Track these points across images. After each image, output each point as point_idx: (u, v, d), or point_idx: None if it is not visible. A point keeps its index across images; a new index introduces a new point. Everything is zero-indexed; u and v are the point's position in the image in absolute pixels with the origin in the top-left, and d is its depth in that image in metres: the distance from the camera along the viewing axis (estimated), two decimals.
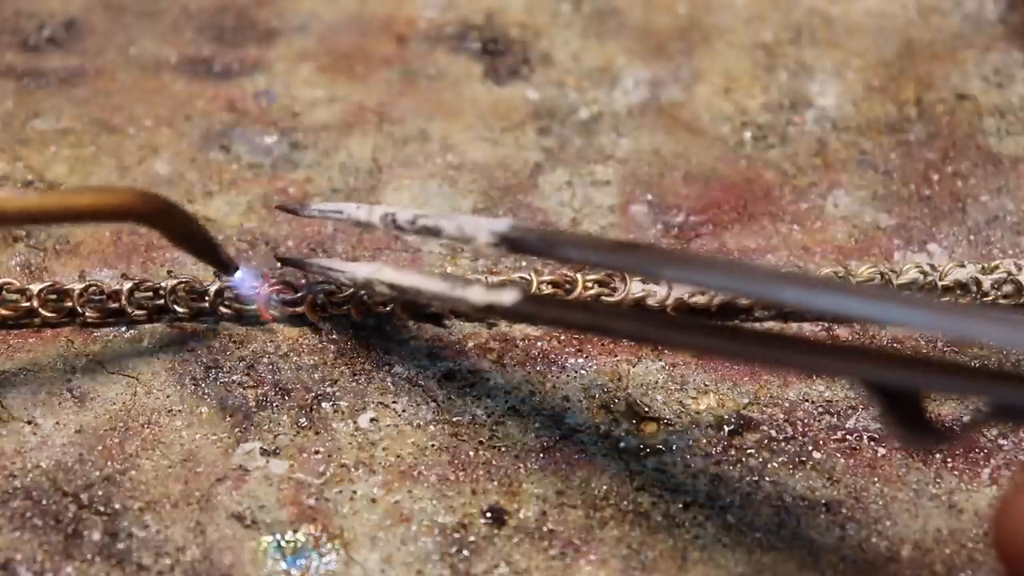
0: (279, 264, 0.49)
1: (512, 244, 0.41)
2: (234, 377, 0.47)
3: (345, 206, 0.47)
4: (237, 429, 0.45)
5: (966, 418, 0.46)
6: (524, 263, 0.51)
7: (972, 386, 0.32)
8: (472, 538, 0.43)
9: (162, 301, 0.48)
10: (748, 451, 0.45)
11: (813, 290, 0.34)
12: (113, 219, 0.44)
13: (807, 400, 0.47)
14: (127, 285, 0.48)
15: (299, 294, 0.48)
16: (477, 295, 0.41)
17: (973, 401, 0.45)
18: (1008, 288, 0.50)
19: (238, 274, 0.48)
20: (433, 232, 0.43)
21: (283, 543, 0.42)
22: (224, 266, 0.47)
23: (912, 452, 0.45)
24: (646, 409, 0.46)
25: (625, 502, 0.44)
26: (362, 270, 0.45)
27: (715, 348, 0.39)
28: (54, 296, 0.48)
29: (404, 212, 0.44)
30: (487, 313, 0.43)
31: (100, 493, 0.43)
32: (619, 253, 0.39)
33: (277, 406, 0.46)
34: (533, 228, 0.41)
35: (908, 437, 0.34)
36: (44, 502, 0.43)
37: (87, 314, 0.48)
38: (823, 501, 0.44)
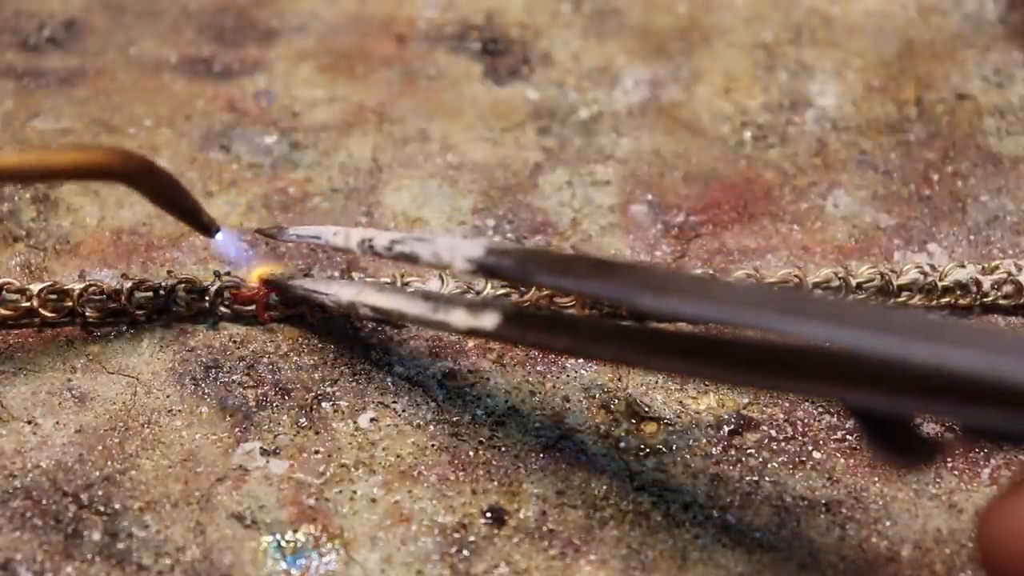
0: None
1: (488, 270, 0.41)
2: (234, 377, 0.47)
3: (323, 231, 0.47)
4: (237, 429, 0.45)
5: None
6: None
7: (950, 409, 0.32)
8: (472, 538, 0.43)
9: (162, 301, 0.48)
10: (748, 451, 0.45)
11: (801, 316, 0.33)
12: (94, 177, 0.43)
13: (807, 400, 0.47)
14: (127, 285, 0.48)
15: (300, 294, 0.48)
16: (459, 319, 0.41)
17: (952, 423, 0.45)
18: (1008, 288, 0.50)
19: (219, 235, 0.47)
20: (410, 258, 0.43)
21: (283, 543, 0.42)
22: (205, 227, 0.47)
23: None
24: (646, 409, 0.46)
25: (625, 502, 0.44)
26: (345, 292, 0.45)
27: (700, 373, 0.39)
28: (54, 296, 0.48)
29: (381, 238, 0.44)
30: (471, 336, 0.43)
31: (100, 493, 0.43)
32: (596, 279, 0.39)
33: (277, 406, 0.46)
34: (510, 250, 0.41)
35: (887, 456, 0.34)
36: (44, 502, 0.43)
37: (87, 314, 0.48)
38: (823, 501, 0.44)
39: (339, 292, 0.46)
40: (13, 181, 0.49)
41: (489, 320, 0.41)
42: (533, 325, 0.41)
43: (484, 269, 0.41)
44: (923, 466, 0.44)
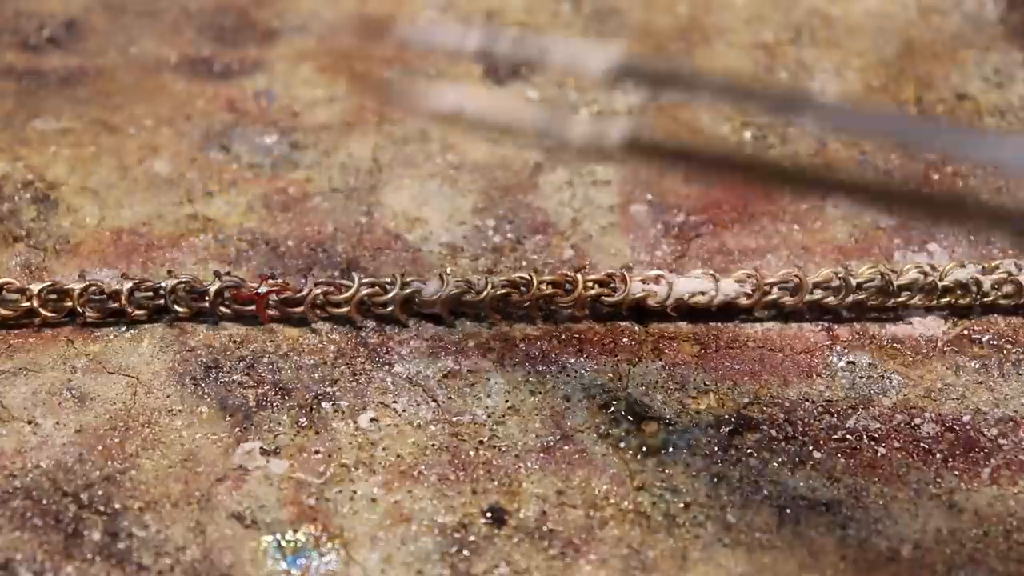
0: None
1: (627, 74, 0.38)
2: (234, 377, 0.47)
3: (439, 29, 0.43)
4: (237, 429, 0.45)
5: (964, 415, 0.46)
6: (524, 262, 0.51)
7: None
8: (472, 538, 0.43)
9: (162, 301, 0.48)
10: (748, 451, 0.45)
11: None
12: None
13: (807, 400, 0.47)
14: (127, 285, 0.48)
15: (299, 294, 0.48)
16: (580, 131, 0.38)
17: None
18: (1008, 288, 0.50)
19: None
20: (537, 60, 0.39)
21: (283, 543, 0.42)
22: None
23: (912, 452, 0.45)
24: (646, 409, 0.46)
25: (625, 502, 0.44)
26: (450, 96, 0.40)
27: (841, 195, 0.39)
28: (54, 296, 0.48)
29: (503, 40, 0.39)
30: (586, 157, 0.40)
31: (100, 493, 0.43)
32: (741, 93, 0.38)
33: (277, 406, 0.46)
34: (649, 58, 0.39)
35: None
36: (44, 502, 0.43)
37: (87, 314, 0.48)
38: (823, 501, 0.44)
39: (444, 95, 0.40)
40: None
41: (615, 133, 0.38)
42: (660, 145, 0.39)
43: (624, 71, 0.38)
44: None
